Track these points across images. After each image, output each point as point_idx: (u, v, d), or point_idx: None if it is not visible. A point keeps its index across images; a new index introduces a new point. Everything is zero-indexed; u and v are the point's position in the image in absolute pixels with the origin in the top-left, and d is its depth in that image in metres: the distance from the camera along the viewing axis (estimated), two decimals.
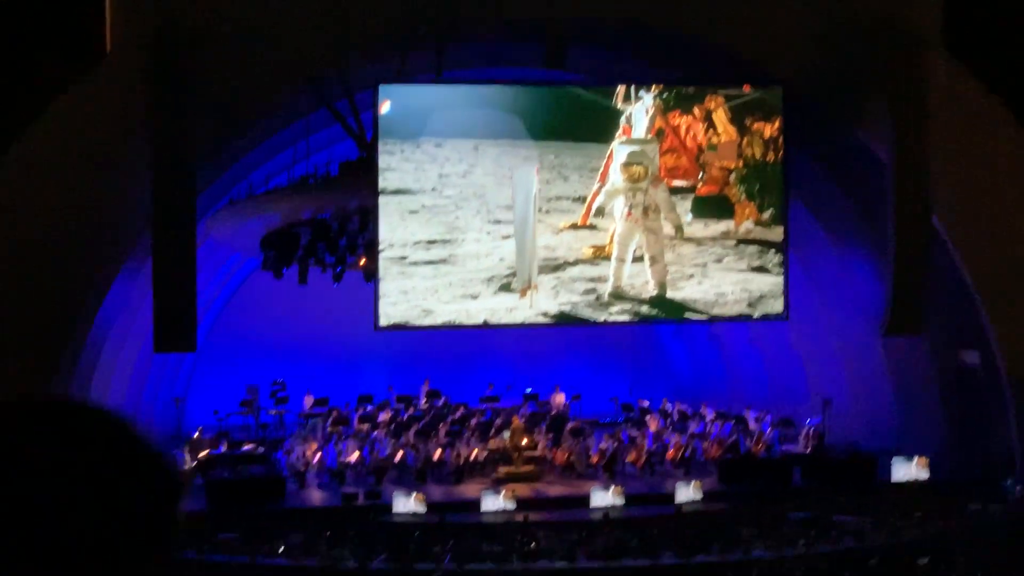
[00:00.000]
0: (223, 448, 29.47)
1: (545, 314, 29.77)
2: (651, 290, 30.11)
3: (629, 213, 29.92)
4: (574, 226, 29.79)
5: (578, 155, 29.83)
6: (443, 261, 29.16)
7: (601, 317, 30.10)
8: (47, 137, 25.44)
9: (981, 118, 28.80)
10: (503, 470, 29.51)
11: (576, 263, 29.77)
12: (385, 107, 28.53)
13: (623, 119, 29.84)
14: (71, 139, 25.40)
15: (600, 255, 29.89)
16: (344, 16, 26.56)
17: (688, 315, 30.82)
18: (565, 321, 30.20)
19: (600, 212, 29.87)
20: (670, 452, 30.65)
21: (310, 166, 32.07)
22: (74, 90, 25.72)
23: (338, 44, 27.00)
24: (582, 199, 29.81)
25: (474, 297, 29.31)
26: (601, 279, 29.88)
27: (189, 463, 29.05)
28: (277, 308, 37.03)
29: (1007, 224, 28.78)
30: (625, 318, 30.43)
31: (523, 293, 29.48)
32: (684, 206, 30.32)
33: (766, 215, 30.44)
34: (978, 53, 29.77)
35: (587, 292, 29.81)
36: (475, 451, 30.03)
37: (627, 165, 29.80)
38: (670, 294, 30.20)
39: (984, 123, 28.79)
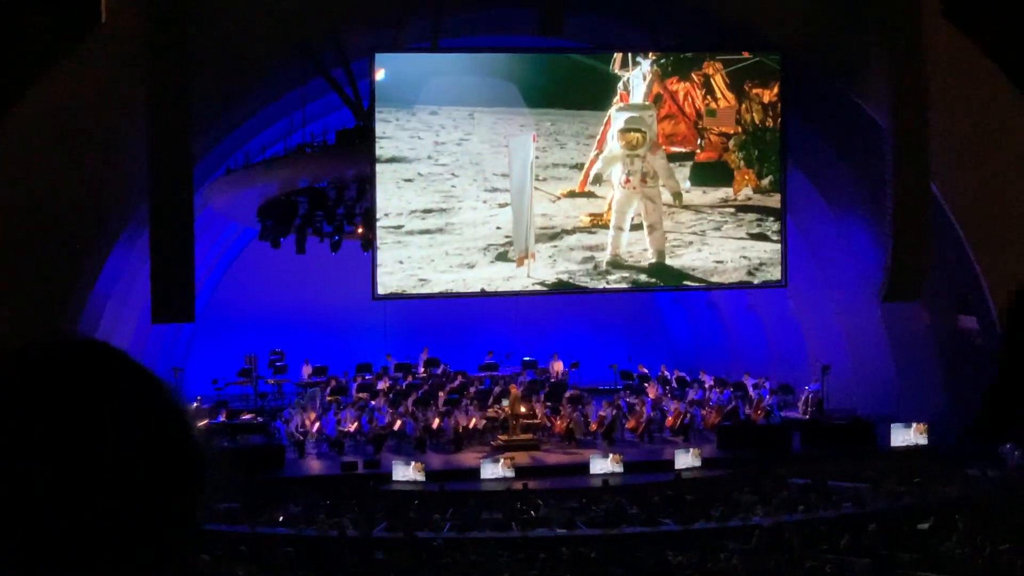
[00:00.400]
0: (222, 418, 29.47)
1: (542, 283, 29.74)
2: (649, 258, 30.08)
3: (627, 180, 29.86)
4: (572, 193, 29.73)
5: (575, 122, 29.75)
6: (439, 230, 29.11)
7: (599, 285, 30.08)
8: (42, 106, 25.36)
9: (979, 84, 28.74)
10: (502, 438, 29.52)
11: (574, 231, 29.71)
12: (380, 74, 28.45)
13: (620, 85, 29.77)
14: (67, 108, 25.32)
15: (598, 223, 29.83)
16: None
17: (687, 283, 30.80)
18: (562, 289, 30.17)
19: (598, 179, 29.81)
20: (669, 419, 30.68)
21: (307, 135, 32.01)
22: (69, 58, 25.64)
23: (334, 12, 26.91)
24: (579, 166, 29.76)
25: (471, 266, 29.27)
26: (599, 247, 29.84)
27: None
28: (275, 277, 36.98)
29: (1004, 190, 28.74)
30: (623, 286, 30.42)
31: (520, 262, 29.44)
32: (682, 173, 30.26)
33: (765, 181, 30.39)
34: (976, 19, 29.66)
35: (585, 260, 29.77)
36: (474, 419, 30.03)
37: (624, 131, 29.73)
38: (668, 262, 30.17)
39: (982, 89, 28.73)
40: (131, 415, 2.05)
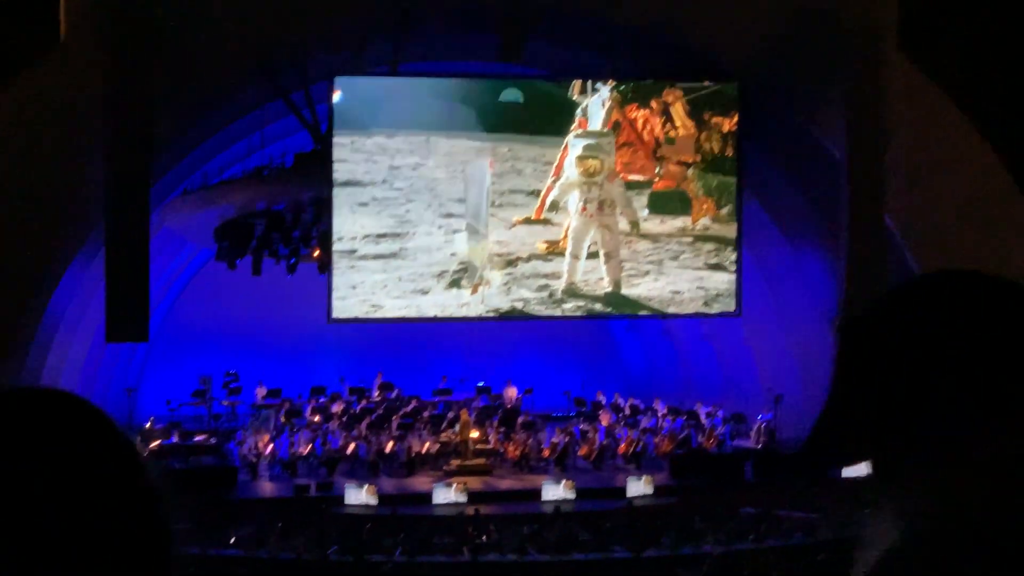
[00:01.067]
0: (175, 439, 29.35)
1: (496, 310, 29.78)
2: (605, 287, 30.14)
3: (584, 208, 29.92)
4: (528, 220, 29.78)
5: (533, 148, 29.79)
6: (393, 255, 29.10)
7: (554, 313, 30.14)
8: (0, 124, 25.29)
9: (933, 117, 28.94)
10: (455, 463, 29.50)
11: (529, 259, 29.74)
12: (336, 95, 28.48)
13: (579, 112, 29.85)
14: (24, 126, 25.26)
15: (554, 250, 29.88)
16: (300, 7, 26.51)
17: (642, 312, 30.87)
18: (516, 317, 30.21)
19: (555, 207, 29.86)
20: (622, 446, 30.70)
21: (265, 157, 32.02)
22: (27, 76, 25.58)
23: (294, 35, 26.94)
24: (536, 193, 29.81)
25: (424, 292, 29.28)
26: (554, 275, 29.88)
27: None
28: (230, 299, 36.91)
29: (958, 222, 28.93)
30: (578, 314, 30.48)
31: (474, 289, 29.47)
32: (640, 201, 30.33)
33: (724, 211, 30.51)
34: (930, 53, 29.90)
35: (540, 288, 29.80)
36: (427, 444, 30.02)
37: (582, 158, 29.80)
38: (625, 291, 30.23)
39: (937, 123, 28.93)
40: (83, 455, 2.09)
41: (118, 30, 24.64)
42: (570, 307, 30.02)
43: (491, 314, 29.83)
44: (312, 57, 28.69)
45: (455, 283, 29.31)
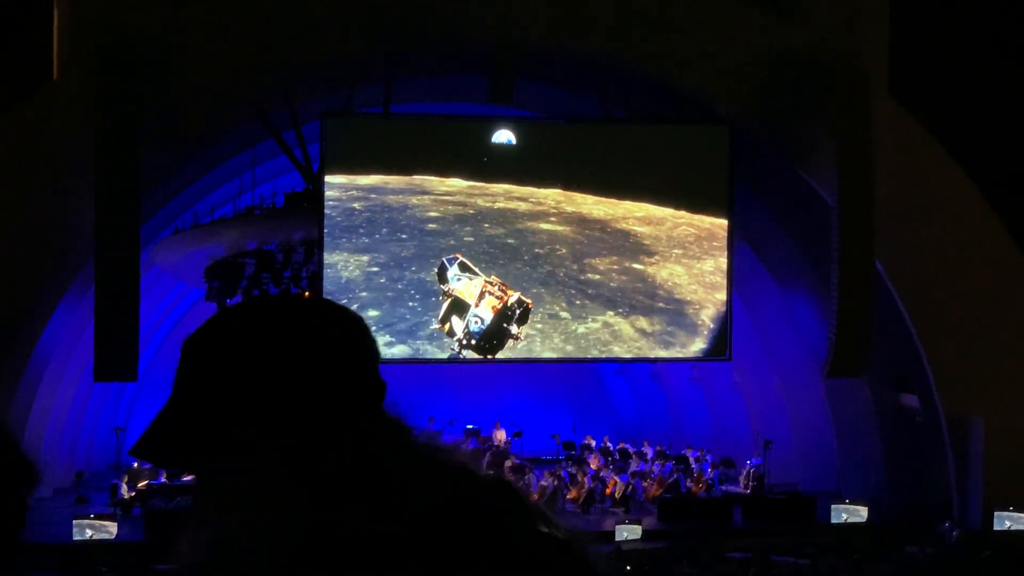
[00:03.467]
0: (162, 479, 29.26)
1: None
2: None
3: None
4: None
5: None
6: (382, 297, 29.05)
7: (542, 355, 30.16)
8: None
9: (923, 161, 29.03)
10: None
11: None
12: (327, 136, 28.53)
13: None
14: (16, 163, 25.27)
15: None
16: (292, 48, 26.56)
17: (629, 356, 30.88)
18: (506, 359, 30.18)
19: None
20: (610, 490, 30.63)
21: (256, 197, 32.01)
22: (19, 114, 25.61)
23: (286, 76, 26.99)
24: None
25: (412, 334, 29.24)
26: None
27: (128, 493, 28.87)
28: None
29: (947, 268, 28.99)
30: (567, 356, 30.49)
31: (465, 329, 29.49)
32: None
33: None
34: (920, 98, 30.03)
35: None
36: None
37: None
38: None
39: (927, 168, 29.02)
40: None
41: (109, 70, 24.68)
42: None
43: (480, 356, 29.83)
44: (303, 98, 28.76)
45: (445, 321, 29.31)
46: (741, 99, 28.77)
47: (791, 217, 30.72)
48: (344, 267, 28.83)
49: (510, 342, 29.71)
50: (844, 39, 28.55)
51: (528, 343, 29.75)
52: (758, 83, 28.53)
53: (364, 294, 28.87)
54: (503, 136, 29.56)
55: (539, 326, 29.79)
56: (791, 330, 32.31)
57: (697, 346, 30.71)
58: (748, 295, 32.83)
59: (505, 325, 29.58)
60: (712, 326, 30.62)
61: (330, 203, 28.69)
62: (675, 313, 30.40)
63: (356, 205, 28.94)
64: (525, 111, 31.00)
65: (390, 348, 29.02)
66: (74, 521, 26.23)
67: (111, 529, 26.26)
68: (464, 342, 29.43)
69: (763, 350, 33.60)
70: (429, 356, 29.40)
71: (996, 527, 28.03)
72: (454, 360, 29.95)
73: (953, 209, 29.13)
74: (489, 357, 29.91)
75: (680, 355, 30.85)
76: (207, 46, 26.11)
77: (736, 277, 30.97)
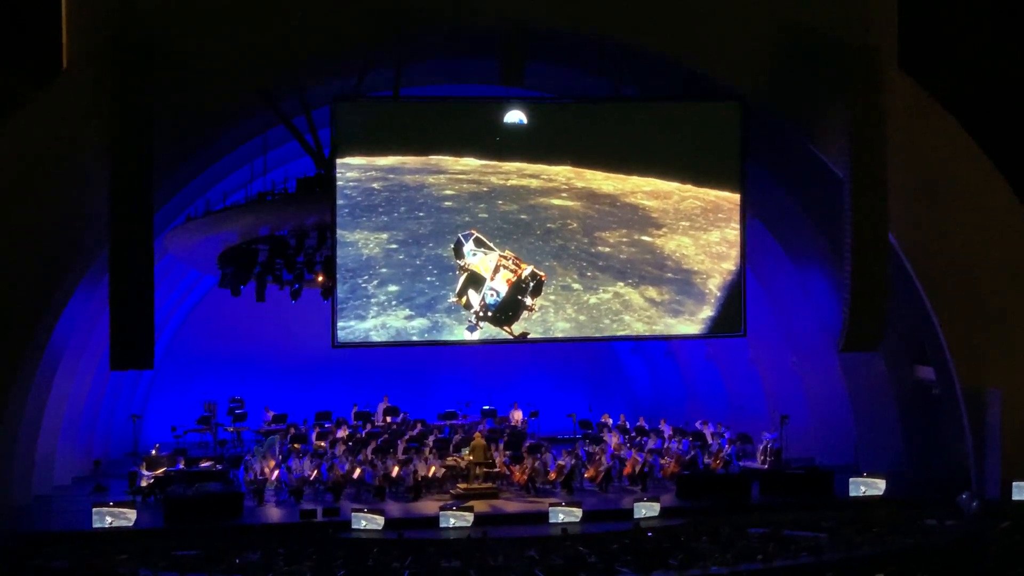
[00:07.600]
0: (180, 465, 29.30)
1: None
2: None
3: None
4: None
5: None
6: (398, 279, 29.08)
7: (556, 335, 30.20)
8: (3, 153, 25.30)
9: (936, 136, 28.94)
10: (461, 486, 29.46)
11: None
12: (338, 120, 28.52)
13: None
14: (28, 154, 25.28)
15: None
16: (302, 33, 26.54)
17: (646, 332, 30.86)
18: (523, 340, 30.20)
19: None
20: (628, 468, 30.64)
21: (268, 183, 32.01)
22: (31, 105, 25.61)
23: (296, 61, 26.96)
24: None
25: (429, 316, 29.27)
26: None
27: (146, 480, 28.91)
28: (235, 325, 36.99)
29: (961, 240, 28.93)
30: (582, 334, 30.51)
31: (481, 303, 29.52)
32: None
33: None
34: (931, 71, 29.96)
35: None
36: (433, 468, 29.94)
37: None
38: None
39: (939, 141, 28.93)
40: None
41: (120, 60, 24.67)
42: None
43: (496, 337, 29.86)
44: (314, 83, 28.75)
45: (462, 295, 29.39)
46: (753, 76, 28.69)
47: (804, 193, 30.66)
48: (364, 245, 28.85)
49: (525, 313, 29.76)
50: (855, 14, 28.48)
51: (542, 314, 29.78)
52: (769, 59, 28.45)
53: (384, 270, 28.91)
54: (515, 116, 29.56)
55: (552, 298, 29.81)
56: (806, 305, 32.27)
57: (705, 314, 30.70)
58: (763, 271, 32.81)
59: (520, 297, 29.66)
60: (719, 294, 30.68)
61: (350, 183, 28.72)
62: (683, 283, 30.46)
63: (375, 185, 28.98)
64: (535, 92, 30.97)
65: (410, 321, 29.07)
66: (93, 509, 26.30)
67: (130, 516, 26.31)
68: (481, 314, 29.52)
69: (779, 325, 33.58)
70: (446, 328, 29.37)
71: (1015, 497, 27.97)
72: (471, 341, 29.94)
73: (966, 181, 29.06)
74: (506, 331, 29.86)
75: (688, 322, 30.77)
76: (216, 33, 26.10)
77: (750, 254, 30.94)
